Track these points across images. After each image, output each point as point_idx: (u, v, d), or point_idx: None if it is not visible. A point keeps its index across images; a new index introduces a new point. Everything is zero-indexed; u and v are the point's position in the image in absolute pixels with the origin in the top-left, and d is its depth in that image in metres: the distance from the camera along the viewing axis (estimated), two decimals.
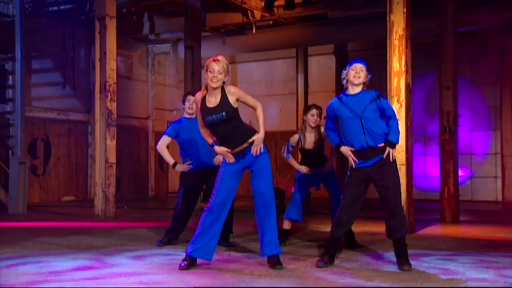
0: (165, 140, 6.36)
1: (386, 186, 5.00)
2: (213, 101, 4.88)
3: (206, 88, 4.93)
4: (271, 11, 12.83)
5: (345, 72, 5.14)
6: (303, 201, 6.44)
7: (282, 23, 13.83)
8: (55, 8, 13.62)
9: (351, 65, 5.11)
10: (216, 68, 4.80)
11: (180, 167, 6.33)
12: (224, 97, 4.86)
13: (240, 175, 5.04)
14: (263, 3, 12.64)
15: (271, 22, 13.76)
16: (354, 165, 5.03)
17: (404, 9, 7.72)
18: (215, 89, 4.85)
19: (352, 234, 6.29)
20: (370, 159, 5.01)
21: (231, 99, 4.86)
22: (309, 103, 6.59)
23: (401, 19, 7.72)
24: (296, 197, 6.39)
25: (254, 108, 4.97)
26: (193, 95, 6.44)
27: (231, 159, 4.92)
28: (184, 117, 6.44)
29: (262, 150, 4.92)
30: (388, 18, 7.83)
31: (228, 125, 4.88)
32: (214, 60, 4.84)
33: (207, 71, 4.86)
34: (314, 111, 6.32)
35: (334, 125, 5.21)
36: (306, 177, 6.39)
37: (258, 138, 4.90)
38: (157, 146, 6.43)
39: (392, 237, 5.04)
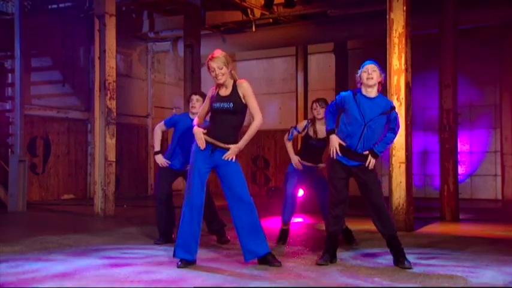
0: (160, 126, 6.50)
1: (369, 181, 5.04)
2: (224, 91, 4.97)
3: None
4: (271, 9, 12.80)
5: (357, 75, 5.12)
6: (295, 200, 6.41)
7: (282, 21, 13.80)
8: (54, 6, 13.59)
9: (362, 66, 5.10)
10: (215, 66, 4.89)
11: (159, 159, 6.34)
12: (235, 89, 4.95)
13: (206, 172, 4.97)
14: (263, 1, 12.62)
15: (271, 20, 13.74)
16: (333, 156, 5.06)
17: (404, 7, 7.72)
18: (223, 84, 4.94)
19: (349, 232, 6.30)
20: (352, 161, 5.06)
21: (240, 93, 4.93)
22: (309, 101, 6.62)
23: (401, 17, 7.72)
24: (288, 196, 6.37)
25: (252, 117, 4.97)
26: (195, 93, 6.48)
27: (202, 144, 4.90)
28: (187, 114, 6.45)
29: (233, 160, 4.91)
30: (387, 16, 7.83)
31: (230, 117, 4.92)
32: (211, 59, 4.91)
33: (209, 70, 4.94)
34: (316, 104, 6.38)
35: (337, 112, 5.19)
36: (295, 174, 6.36)
37: (235, 147, 4.92)
38: (154, 128, 6.55)
39: (385, 233, 5.06)
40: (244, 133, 4.98)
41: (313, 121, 6.43)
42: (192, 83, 11.57)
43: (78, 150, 14.61)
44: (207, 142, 4.92)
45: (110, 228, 8.05)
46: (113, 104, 9.90)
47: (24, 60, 11.59)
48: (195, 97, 6.37)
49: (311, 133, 6.35)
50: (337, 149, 5.05)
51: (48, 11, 13.54)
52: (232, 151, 4.90)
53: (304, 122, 6.51)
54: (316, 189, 6.40)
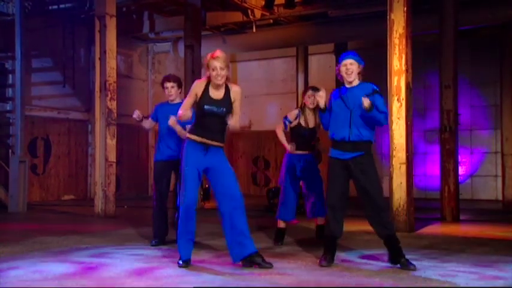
0: (149, 121, 6.53)
1: (368, 180, 4.98)
2: (217, 94, 4.93)
3: (209, 79, 4.94)
4: (272, 9, 12.81)
5: (337, 68, 5.17)
6: (296, 198, 6.42)
7: (282, 22, 13.81)
8: (55, 7, 13.62)
9: (340, 60, 5.13)
10: (218, 65, 4.84)
11: (143, 121, 6.32)
12: (227, 94, 4.93)
13: (201, 173, 4.99)
14: (263, 2, 12.63)
15: (271, 21, 13.75)
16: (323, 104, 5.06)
17: (405, 8, 7.71)
18: (221, 85, 4.91)
19: (322, 228, 6.24)
20: (348, 153, 5.01)
21: (232, 98, 4.93)
22: (315, 86, 6.63)
23: (402, 18, 7.71)
24: (288, 195, 6.35)
25: (231, 117, 4.96)
26: (169, 80, 6.36)
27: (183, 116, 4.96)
28: (167, 102, 6.44)
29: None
30: (388, 17, 7.83)
31: (220, 120, 4.92)
32: (213, 58, 4.86)
33: (208, 68, 4.88)
34: (310, 92, 6.39)
35: (328, 113, 5.22)
36: (290, 168, 6.35)
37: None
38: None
39: (382, 233, 5.03)
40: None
41: (303, 110, 6.44)
42: (193, 84, 11.56)
43: (79, 151, 14.61)
44: (198, 142, 4.91)
45: (111, 229, 8.05)
46: (113, 105, 9.90)
47: (25, 61, 11.59)
48: (169, 84, 6.30)
49: (302, 123, 6.38)
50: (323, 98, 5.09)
51: (48, 12, 13.57)
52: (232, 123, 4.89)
53: (296, 111, 6.50)
54: (306, 179, 6.38)
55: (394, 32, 7.75)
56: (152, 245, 6.22)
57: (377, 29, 10.41)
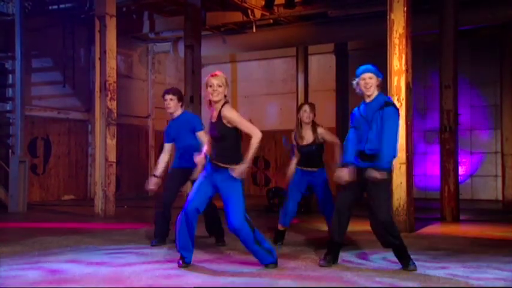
0: (164, 149, 6.44)
1: (373, 193, 4.93)
2: (213, 115, 4.98)
3: (210, 103, 4.99)
4: (272, 9, 12.81)
5: (355, 82, 5.09)
6: (295, 210, 6.45)
7: (282, 22, 13.82)
8: (55, 7, 13.62)
9: (358, 75, 5.05)
10: (215, 82, 4.90)
11: (151, 180, 6.24)
12: (219, 116, 4.93)
13: (213, 188, 4.98)
14: (263, 2, 12.63)
15: (271, 21, 13.75)
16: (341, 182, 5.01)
17: (405, 8, 7.72)
18: (217, 102, 4.93)
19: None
20: (363, 162, 4.99)
21: (224, 120, 4.89)
22: (309, 102, 6.61)
23: (402, 18, 7.72)
24: (289, 205, 6.37)
25: (250, 135, 4.88)
26: (168, 92, 6.35)
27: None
28: (172, 119, 6.43)
29: (237, 176, 4.80)
30: (388, 17, 7.83)
31: (220, 142, 4.91)
32: (212, 76, 4.95)
33: (207, 86, 4.94)
34: (306, 107, 6.36)
35: (354, 137, 5.12)
36: (297, 183, 6.37)
37: (239, 168, 4.79)
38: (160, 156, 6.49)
39: (384, 245, 5.01)
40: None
41: (298, 127, 6.40)
42: (193, 84, 11.57)
43: (79, 151, 14.61)
44: (210, 162, 4.97)
45: (110, 228, 8.05)
46: (113, 105, 9.90)
47: (25, 61, 11.60)
48: (168, 96, 6.27)
49: (299, 141, 6.35)
50: (343, 181, 4.98)
51: (48, 12, 13.57)
52: (236, 172, 4.80)
53: (292, 134, 6.47)
54: (318, 194, 6.41)
55: (394, 32, 7.75)
56: (152, 245, 6.23)
57: (377, 29, 10.41)
